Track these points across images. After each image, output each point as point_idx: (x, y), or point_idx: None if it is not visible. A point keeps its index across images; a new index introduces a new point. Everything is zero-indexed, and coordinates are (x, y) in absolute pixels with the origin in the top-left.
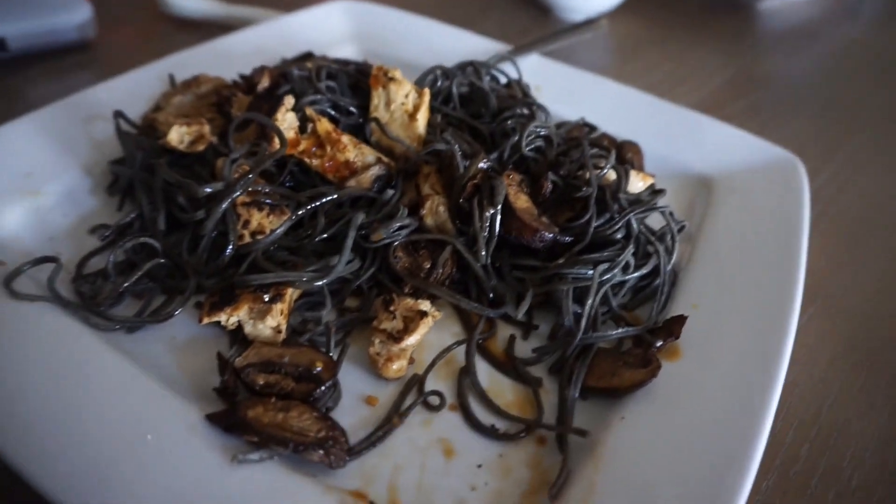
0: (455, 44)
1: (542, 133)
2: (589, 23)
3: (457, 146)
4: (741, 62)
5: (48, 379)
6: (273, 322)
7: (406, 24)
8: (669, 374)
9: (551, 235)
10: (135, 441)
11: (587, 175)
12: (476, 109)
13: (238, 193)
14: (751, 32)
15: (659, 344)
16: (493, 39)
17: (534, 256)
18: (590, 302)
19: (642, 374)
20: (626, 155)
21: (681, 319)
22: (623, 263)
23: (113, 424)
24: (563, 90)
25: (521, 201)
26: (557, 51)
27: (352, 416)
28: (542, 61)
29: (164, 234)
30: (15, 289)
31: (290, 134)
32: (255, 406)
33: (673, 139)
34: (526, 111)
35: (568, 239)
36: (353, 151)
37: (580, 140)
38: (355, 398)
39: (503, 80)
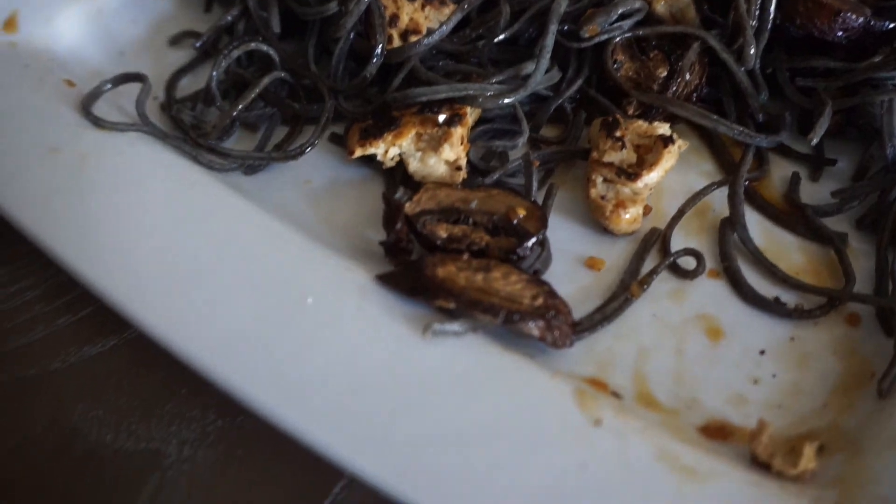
0: None
1: None
2: None
3: None
4: None
5: (165, 230)
6: (451, 154)
7: None
8: None
9: (861, 20)
10: (290, 304)
11: None
12: None
13: None
14: None
15: None
16: None
17: (829, 55)
18: None
19: None
20: None
21: None
22: None
23: (257, 282)
24: None
25: None
26: None
27: (569, 283)
28: None
29: (279, 39)
30: (98, 115)
31: None
32: (446, 264)
33: None
34: None
35: (889, 25)
36: None
37: None
38: (571, 260)
39: None
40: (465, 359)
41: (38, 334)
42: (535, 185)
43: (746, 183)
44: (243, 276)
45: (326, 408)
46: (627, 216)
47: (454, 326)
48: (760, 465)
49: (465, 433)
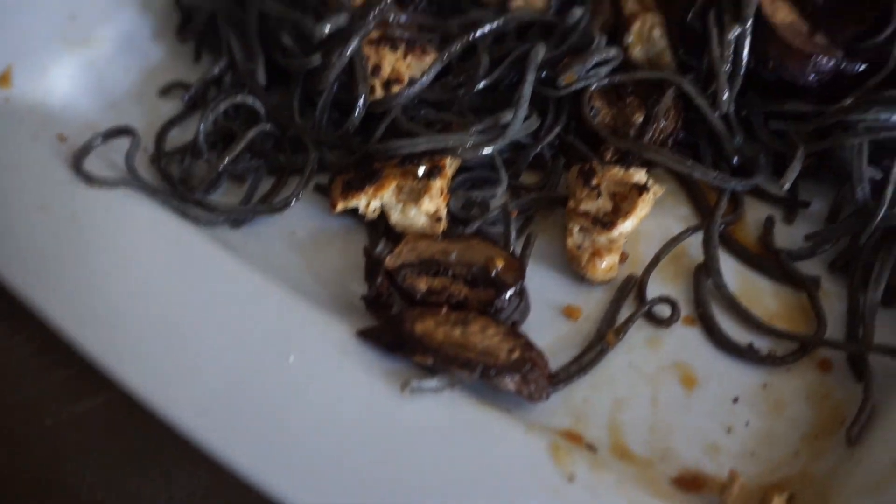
0: None
1: None
2: None
3: None
4: None
5: (150, 288)
6: (431, 206)
7: None
8: None
9: (832, 62)
10: (272, 363)
11: None
12: None
13: (370, 29)
14: None
15: None
16: None
17: (802, 98)
18: None
19: None
20: None
21: None
22: None
23: (241, 341)
24: None
25: (782, 13)
26: None
27: (547, 333)
28: None
29: (265, 88)
30: (88, 171)
31: None
32: (424, 318)
33: None
34: None
35: (859, 67)
36: None
37: None
38: (549, 309)
39: None
40: (442, 415)
41: (32, 390)
42: (513, 234)
43: (722, 227)
44: (227, 336)
45: (305, 470)
46: (604, 265)
47: (432, 383)
48: None
49: (440, 491)
